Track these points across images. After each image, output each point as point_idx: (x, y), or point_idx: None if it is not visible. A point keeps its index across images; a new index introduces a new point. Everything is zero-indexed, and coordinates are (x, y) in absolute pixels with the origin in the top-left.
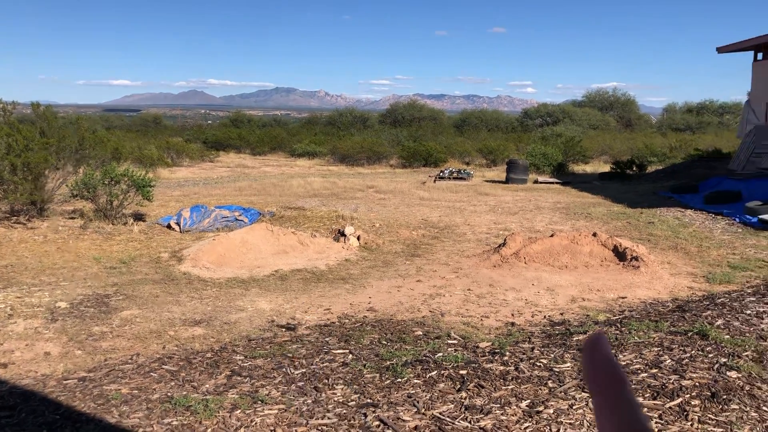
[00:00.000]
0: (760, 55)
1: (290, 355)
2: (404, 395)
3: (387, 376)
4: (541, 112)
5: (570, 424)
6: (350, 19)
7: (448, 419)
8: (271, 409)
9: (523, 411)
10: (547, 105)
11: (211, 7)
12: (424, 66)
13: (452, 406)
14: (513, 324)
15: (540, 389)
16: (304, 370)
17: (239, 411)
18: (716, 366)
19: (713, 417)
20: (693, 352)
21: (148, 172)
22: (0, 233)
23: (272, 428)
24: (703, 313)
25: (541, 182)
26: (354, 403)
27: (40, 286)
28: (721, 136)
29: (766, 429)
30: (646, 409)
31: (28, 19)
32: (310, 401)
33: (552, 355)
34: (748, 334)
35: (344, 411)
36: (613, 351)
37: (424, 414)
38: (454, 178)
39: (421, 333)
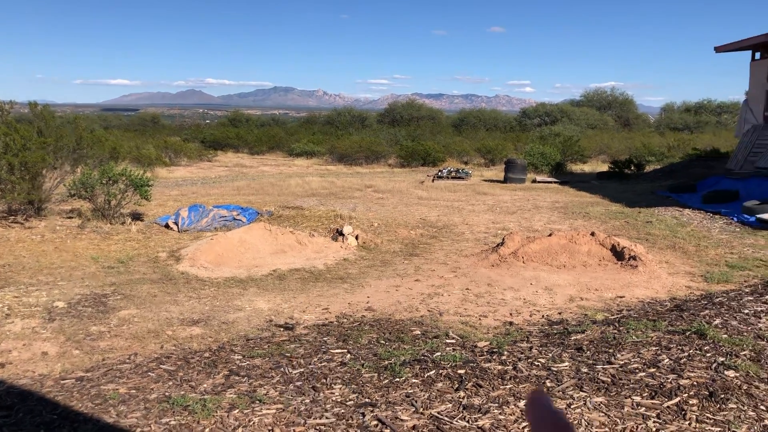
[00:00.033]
0: (758, 55)
1: (288, 354)
2: (402, 395)
3: (385, 376)
4: (539, 112)
5: None
6: (348, 19)
7: (446, 418)
8: (269, 409)
9: (521, 410)
10: (546, 104)
11: (210, 6)
12: (422, 65)
13: (450, 405)
14: (511, 323)
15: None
16: (302, 370)
17: (237, 411)
18: (714, 365)
19: (711, 416)
20: (691, 351)
21: (146, 171)
22: None
23: (270, 428)
24: (701, 313)
25: (539, 182)
26: (352, 402)
27: (37, 286)
28: (719, 136)
29: (764, 428)
30: (644, 408)
31: (26, 18)
32: (308, 401)
33: (550, 355)
34: (745, 334)
35: (342, 410)
36: (611, 350)
37: (422, 413)
38: (453, 178)
39: (419, 332)
